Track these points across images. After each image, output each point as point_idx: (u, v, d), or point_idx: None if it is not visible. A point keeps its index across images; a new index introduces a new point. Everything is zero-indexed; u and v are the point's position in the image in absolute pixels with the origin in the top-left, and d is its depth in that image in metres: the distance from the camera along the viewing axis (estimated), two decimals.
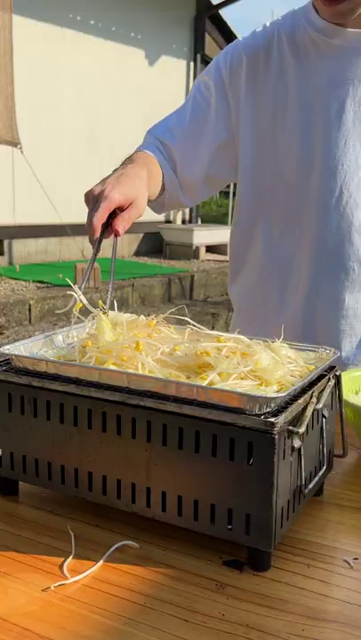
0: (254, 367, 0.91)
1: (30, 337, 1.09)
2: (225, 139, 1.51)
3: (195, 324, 1.06)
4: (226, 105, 1.49)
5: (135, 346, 0.96)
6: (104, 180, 1.18)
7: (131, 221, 1.16)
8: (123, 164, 1.34)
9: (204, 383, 0.87)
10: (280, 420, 0.81)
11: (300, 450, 0.87)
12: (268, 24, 1.49)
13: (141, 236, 9.57)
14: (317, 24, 1.40)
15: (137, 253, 9.62)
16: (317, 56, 1.41)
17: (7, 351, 1.00)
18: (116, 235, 1.14)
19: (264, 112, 1.45)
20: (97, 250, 1.13)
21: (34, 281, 7.26)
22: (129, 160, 1.36)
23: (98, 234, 1.11)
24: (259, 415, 0.82)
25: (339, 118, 1.40)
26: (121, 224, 1.14)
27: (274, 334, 1.05)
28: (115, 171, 1.25)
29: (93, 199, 1.14)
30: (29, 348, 1.04)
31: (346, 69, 1.39)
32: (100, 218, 1.11)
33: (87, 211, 1.14)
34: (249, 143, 1.48)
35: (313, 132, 1.42)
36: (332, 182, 1.43)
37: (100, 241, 1.13)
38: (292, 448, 0.86)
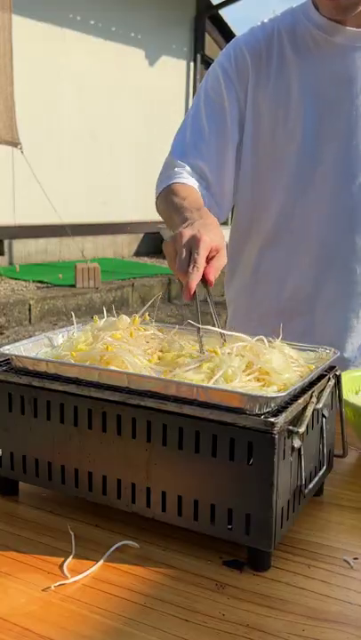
0: (262, 368, 0.91)
1: (30, 337, 1.09)
2: (238, 140, 1.47)
3: (207, 326, 1.05)
4: (237, 106, 1.45)
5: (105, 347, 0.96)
6: (191, 225, 1.10)
7: (219, 271, 1.08)
8: (166, 191, 1.33)
9: (206, 383, 0.87)
10: (280, 420, 0.81)
11: (300, 450, 0.87)
12: (266, 20, 1.47)
13: (141, 236, 9.56)
14: (317, 21, 1.40)
15: (137, 253, 9.62)
16: (318, 53, 1.41)
17: (7, 351, 1.00)
18: (209, 284, 1.06)
19: (265, 110, 1.44)
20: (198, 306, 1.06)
21: (34, 281, 7.25)
22: (178, 197, 1.31)
23: (193, 297, 1.03)
24: (259, 415, 0.82)
25: (341, 117, 1.40)
26: (212, 273, 1.06)
27: (272, 335, 1.05)
28: (180, 209, 1.21)
29: (187, 243, 1.05)
30: (29, 349, 1.04)
31: (347, 68, 1.39)
32: (198, 278, 1.03)
33: (178, 250, 1.06)
34: (249, 141, 1.46)
35: (315, 130, 1.41)
36: (334, 182, 1.42)
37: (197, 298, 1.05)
38: (292, 448, 0.86)
